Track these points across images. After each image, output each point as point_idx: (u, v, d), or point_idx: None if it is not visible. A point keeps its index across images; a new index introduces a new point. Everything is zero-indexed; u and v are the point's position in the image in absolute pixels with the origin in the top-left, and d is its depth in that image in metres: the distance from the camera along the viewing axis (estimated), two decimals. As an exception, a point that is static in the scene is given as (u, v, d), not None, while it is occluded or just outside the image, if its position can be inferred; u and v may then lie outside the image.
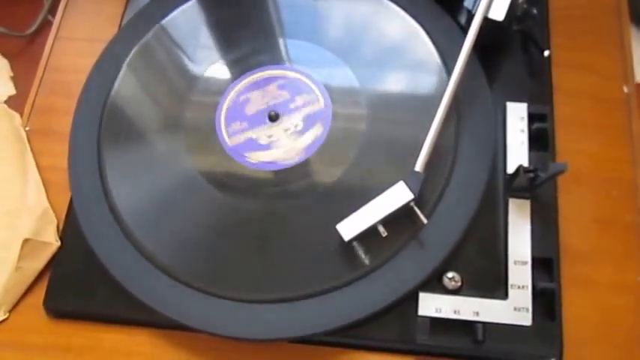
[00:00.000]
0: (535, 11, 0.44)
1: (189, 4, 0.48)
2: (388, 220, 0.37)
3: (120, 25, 0.50)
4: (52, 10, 0.54)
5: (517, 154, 0.41)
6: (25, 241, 0.41)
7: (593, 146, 0.43)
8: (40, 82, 0.50)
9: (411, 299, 0.38)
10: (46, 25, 0.63)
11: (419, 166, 0.38)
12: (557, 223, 0.40)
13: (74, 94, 0.47)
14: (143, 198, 0.42)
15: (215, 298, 0.38)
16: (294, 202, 0.40)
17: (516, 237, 0.39)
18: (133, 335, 0.40)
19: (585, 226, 0.41)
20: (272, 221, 0.40)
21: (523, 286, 0.38)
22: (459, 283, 0.38)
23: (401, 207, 0.37)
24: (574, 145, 0.43)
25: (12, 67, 0.60)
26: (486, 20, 0.41)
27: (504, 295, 0.38)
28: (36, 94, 0.49)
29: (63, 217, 0.44)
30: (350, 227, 0.37)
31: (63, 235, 0.43)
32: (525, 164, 0.40)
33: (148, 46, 0.47)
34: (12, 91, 0.55)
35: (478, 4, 0.41)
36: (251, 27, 0.47)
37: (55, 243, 0.42)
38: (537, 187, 0.39)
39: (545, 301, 0.38)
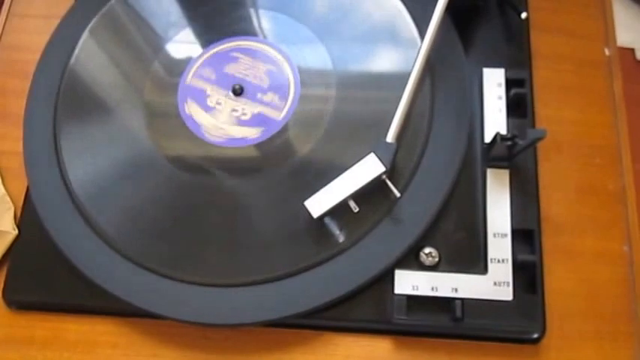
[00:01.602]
0: (511, -28, 0.42)
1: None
2: (360, 195, 0.36)
3: (75, -1, 0.48)
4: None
5: (495, 121, 0.40)
6: (-20, 230, 0.39)
7: (574, 112, 0.42)
8: (-6, 62, 0.47)
9: (387, 277, 0.37)
10: (1, 3, 0.59)
11: (390, 137, 0.36)
12: (538, 193, 0.39)
13: (30, 74, 0.44)
14: (103, 181, 0.40)
15: (181, 283, 0.37)
16: (261, 179, 0.39)
17: (495, 209, 0.38)
18: (97, 325, 0.39)
19: (567, 196, 0.40)
20: (238, 200, 0.38)
21: (503, 260, 0.37)
22: (437, 259, 0.37)
23: (372, 180, 0.35)
24: (554, 111, 0.41)
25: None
26: (460, -19, 0.39)
27: (484, 270, 0.37)
28: (-10, 76, 0.47)
29: (21, 204, 0.42)
30: (319, 204, 0.35)
31: (20, 223, 0.41)
32: (503, 132, 0.38)
33: (106, 19, 0.45)
34: (-34, 73, 0.52)
35: (450, -36, 0.39)
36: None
37: (13, 232, 0.40)
38: (516, 155, 0.38)
39: (527, 274, 0.36)
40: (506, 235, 0.37)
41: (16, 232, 0.40)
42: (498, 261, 0.36)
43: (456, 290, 0.36)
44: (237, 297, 0.36)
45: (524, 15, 0.42)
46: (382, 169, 0.36)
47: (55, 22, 0.46)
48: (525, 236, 0.37)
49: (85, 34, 0.44)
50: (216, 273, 0.37)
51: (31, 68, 0.45)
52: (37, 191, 0.40)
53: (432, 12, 0.39)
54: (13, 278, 0.39)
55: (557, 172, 0.40)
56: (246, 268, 0.36)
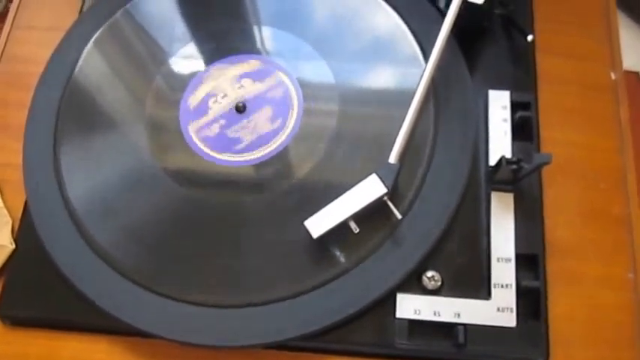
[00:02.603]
0: (518, -6, 0.42)
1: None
2: (361, 216, 0.35)
3: (80, 12, 0.47)
4: (13, -1, 0.51)
5: (500, 144, 0.39)
6: (-23, 244, 0.38)
7: (580, 136, 0.41)
8: (-4, 73, 0.47)
9: (389, 301, 0.36)
10: (6, 14, 0.60)
11: (393, 158, 0.36)
12: (542, 218, 0.38)
13: (31, 86, 0.44)
14: (102, 196, 0.39)
15: (178, 302, 0.36)
16: (262, 198, 0.38)
17: (499, 233, 0.37)
18: (92, 343, 0.38)
19: (572, 220, 0.39)
20: (238, 219, 0.38)
21: (507, 285, 0.36)
22: (439, 283, 0.36)
23: (374, 201, 0.35)
24: (559, 134, 0.41)
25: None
26: (466, 3, 0.39)
27: (487, 295, 0.36)
28: (-9, 87, 0.47)
29: (19, 217, 0.41)
30: (319, 224, 0.35)
31: (18, 237, 0.40)
32: (508, 155, 0.38)
33: (109, 34, 0.45)
34: (-32, 84, 0.52)
35: (457, -14, 0.39)
36: (220, 13, 0.45)
37: (10, 246, 0.40)
38: (521, 179, 0.37)
39: (530, 300, 0.36)
40: (510, 259, 0.36)
41: (14, 246, 0.40)
42: (502, 286, 0.36)
43: (459, 315, 0.35)
44: (235, 318, 0.35)
45: (530, 37, 0.41)
46: (384, 190, 0.35)
47: (59, 35, 0.46)
48: (529, 261, 0.37)
49: (88, 48, 0.44)
50: (214, 293, 0.36)
51: (33, 80, 0.44)
52: (35, 206, 0.40)
53: (435, 30, 0.39)
54: (8, 293, 0.39)
55: (562, 196, 0.39)
56: (245, 289, 0.36)
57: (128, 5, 0.45)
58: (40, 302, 0.38)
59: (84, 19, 0.46)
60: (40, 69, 0.45)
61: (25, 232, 0.40)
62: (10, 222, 0.41)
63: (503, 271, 0.36)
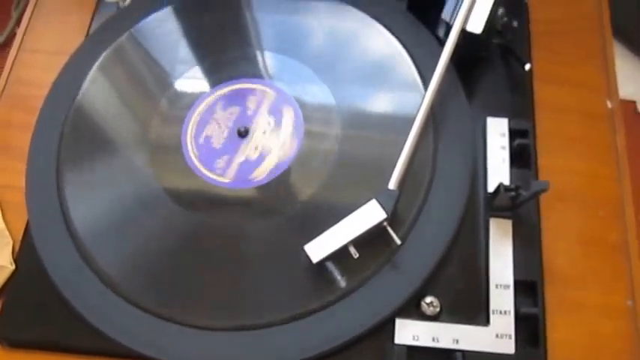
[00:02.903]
0: (515, 24, 0.43)
1: (155, 15, 0.46)
2: (360, 241, 0.35)
3: (86, 36, 0.48)
4: (20, 22, 0.51)
5: (498, 171, 0.40)
6: (-23, 264, 0.39)
7: (577, 163, 0.42)
8: (1, 95, 0.48)
9: (387, 326, 0.36)
10: (14, 37, 0.60)
11: (393, 184, 0.36)
12: (541, 244, 0.38)
13: (36, 109, 0.45)
14: (104, 220, 0.40)
15: (177, 325, 0.36)
16: (261, 221, 0.38)
17: (498, 259, 0.37)
18: (90, 366, 0.38)
19: (570, 247, 0.39)
20: (238, 243, 0.38)
21: (505, 312, 0.36)
22: (438, 309, 0.36)
23: (373, 227, 0.35)
24: (557, 161, 0.41)
25: (-23, 81, 0.58)
26: (465, 33, 0.40)
27: (486, 321, 0.36)
28: (-4, 109, 0.47)
29: (20, 238, 0.41)
30: (319, 248, 0.35)
31: (18, 258, 0.40)
32: (506, 182, 0.39)
33: (112, 58, 0.45)
34: (-27, 105, 0.53)
35: (456, 17, 0.40)
36: (223, 38, 0.46)
37: (10, 266, 0.40)
38: (519, 206, 0.38)
39: (529, 327, 0.36)
40: (508, 286, 0.37)
41: (14, 267, 0.40)
42: (500, 312, 0.36)
43: (457, 341, 0.35)
44: (233, 342, 0.35)
45: (527, 66, 0.42)
46: (383, 215, 0.35)
47: (64, 59, 0.46)
48: (528, 288, 0.37)
49: (92, 73, 0.44)
50: (213, 317, 0.36)
51: (38, 103, 0.45)
52: (37, 227, 0.40)
53: (435, 58, 0.40)
54: (7, 314, 0.39)
55: (560, 224, 0.40)
56: (243, 312, 0.36)
57: (128, 33, 0.46)
58: (39, 324, 0.38)
59: (88, 43, 0.47)
60: (45, 92, 0.45)
61: (25, 253, 0.40)
62: (11, 243, 0.41)
63: (502, 298, 0.36)
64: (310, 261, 0.35)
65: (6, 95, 0.48)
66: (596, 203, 0.40)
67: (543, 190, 0.36)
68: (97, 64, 0.45)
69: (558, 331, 0.37)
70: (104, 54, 0.45)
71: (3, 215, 0.42)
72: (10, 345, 0.39)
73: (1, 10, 0.62)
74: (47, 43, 0.50)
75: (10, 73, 0.49)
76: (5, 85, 0.48)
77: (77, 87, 0.44)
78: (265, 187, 0.40)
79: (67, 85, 0.45)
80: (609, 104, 0.43)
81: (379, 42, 0.44)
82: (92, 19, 0.49)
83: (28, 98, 0.47)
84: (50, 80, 0.46)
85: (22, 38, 0.50)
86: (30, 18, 0.51)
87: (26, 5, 0.53)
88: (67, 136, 0.42)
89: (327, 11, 0.45)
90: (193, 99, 0.43)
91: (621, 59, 0.49)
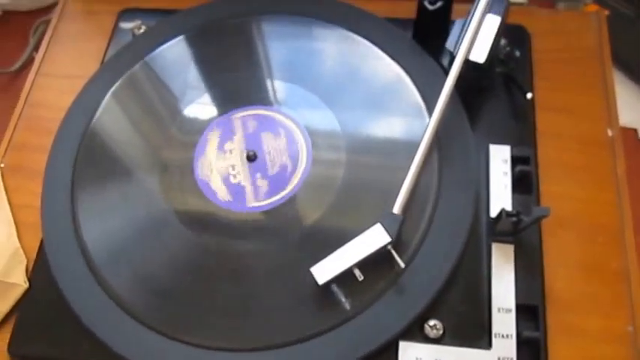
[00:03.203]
0: (518, 54, 0.44)
1: (170, 43, 0.48)
2: (365, 264, 0.36)
3: (102, 62, 0.50)
4: (38, 47, 0.53)
5: (500, 197, 0.40)
6: (-8, 282, 0.40)
7: (578, 190, 0.42)
8: (19, 118, 0.49)
9: (391, 348, 0.36)
10: (31, 61, 0.62)
11: (397, 208, 0.37)
12: (542, 269, 0.39)
13: (52, 132, 0.46)
14: (116, 241, 0.41)
15: (187, 345, 0.37)
16: (268, 244, 0.39)
17: (500, 283, 0.38)
18: (100, 384, 0.38)
19: (571, 273, 0.40)
20: (245, 266, 0.39)
21: (507, 335, 0.37)
22: (441, 332, 0.37)
23: (378, 250, 0.36)
24: (558, 188, 0.42)
25: (-6, 103, 0.60)
26: (468, 62, 0.41)
27: (488, 345, 0.37)
28: (13, 130, 0.49)
29: (33, 257, 0.42)
30: (324, 270, 0.36)
31: (32, 276, 0.42)
32: (508, 208, 0.39)
33: (127, 84, 0.47)
34: (-10, 127, 0.54)
35: (459, 46, 0.41)
36: (233, 66, 0.47)
37: (24, 284, 0.41)
38: (521, 231, 0.38)
39: (531, 350, 0.36)
40: (510, 310, 0.37)
41: (27, 285, 0.41)
42: (503, 336, 0.37)
43: (460, 364, 0.36)
44: (240, 362, 0.36)
45: (529, 95, 0.43)
46: (388, 239, 0.36)
47: (81, 83, 0.48)
48: (529, 312, 0.37)
49: (107, 98, 0.46)
50: (218, 337, 0.37)
51: (53, 125, 0.46)
52: (51, 247, 0.41)
53: (439, 86, 0.41)
54: (19, 331, 0.40)
55: (562, 249, 0.40)
56: (250, 334, 0.37)
57: (143, 60, 0.48)
58: (50, 341, 0.39)
59: (103, 70, 0.48)
60: (61, 115, 0.47)
61: (38, 272, 0.41)
62: (25, 262, 0.42)
63: (504, 322, 0.37)
64: (316, 283, 0.36)
65: (23, 118, 0.49)
66: (596, 229, 0.41)
67: (544, 216, 0.36)
68: (111, 90, 0.46)
69: (559, 356, 0.37)
70: (119, 80, 0.47)
71: (18, 234, 0.44)
72: (22, 361, 0.40)
73: (20, 35, 0.64)
74: (64, 68, 0.52)
75: (27, 96, 0.50)
76: (23, 107, 0.50)
77: (92, 111, 0.46)
78: (273, 211, 0.41)
79: (82, 109, 0.46)
80: (610, 132, 0.44)
81: (385, 70, 0.45)
82: (108, 45, 0.51)
83: (45, 121, 0.48)
84: (66, 104, 0.47)
85: (40, 63, 0.52)
86: (48, 43, 0.53)
87: (44, 31, 0.55)
88: (82, 159, 0.44)
89: (334, 40, 0.47)
90: (205, 124, 0.44)
91: (621, 87, 0.50)
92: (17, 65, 0.62)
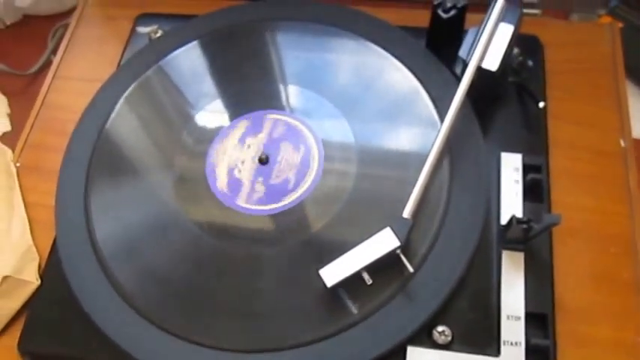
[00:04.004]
0: (531, 63, 0.45)
1: (186, 47, 0.49)
2: (374, 268, 0.36)
3: (118, 65, 0.51)
4: (56, 51, 0.54)
5: (511, 204, 0.40)
6: (5, 278, 0.40)
7: (590, 200, 0.42)
8: (35, 118, 0.50)
9: (399, 353, 0.36)
10: (49, 64, 0.63)
11: (407, 213, 0.37)
12: (552, 278, 0.39)
13: (67, 133, 0.47)
14: (128, 241, 0.41)
15: (196, 345, 0.37)
16: (278, 247, 0.40)
17: (510, 291, 0.38)
18: (109, 382, 0.39)
19: (582, 282, 0.39)
20: (257, 268, 0.39)
21: (516, 343, 0.36)
22: (450, 338, 0.37)
23: (387, 254, 0.36)
24: (570, 198, 0.42)
25: (11, 105, 0.61)
26: (481, 70, 0.41)
27: (496, 352, 0.36)
28: (30, 131, 0.49)
29: (46, 255, 0.43)
30: (333, 273, 0.36)
31: (44, 274, 0.42)
32: (519, 215, 0.39)
33: (141, 88, 0.47)
34: (7, 127, 0.55)
35: (472, 54, 0.41)
36: (247, 72, 0.48)
37: (35, 282, 0.41)
38: (531, 239, 0.38)
39: (540, 358, 0.36)
40: (519, 317, 0.37)
41: (39, 282, 0.41)
42: (511, 344, 0.36)
43: (468, 371, 0.36)
44: (247, 363, 0.36)
45: (542, 104, 0.43)
46: (397, 243, 0.36)
47: (97, 86, 0.48)
48: (539, 320, 0.37)
49: (121, 101, 0.47)
50: (227, 339, 0.37)
51: (70, 127, 0.47)
52: (64, 245, 0.41)
53: (451, 94, 0.41)
54: (30, 328, 0.40)
55: (572, 258, 0.40)
56: (258, 336, 0.37)
57: (159, 63, 0.48)
58: (60, 339, 0.39)
59: (119, 73, 0.49)
60: (77, 117, 0.47)
61: (50, 270, 0.42)
62: (37, 259, 0.43)
63: (513, 329, 0.37)
64: (324, 287, 0.36)
65: (39, 119, 0.50)
66: (607, 240, 0.41)
67: (555, 224, 0.36)
68: (126, 93, 0.47)
69: (569, 365, 0.37)
70: (134, 84, 0.47)
71: (31, 232, 0.44)
72: (31, 359, 0.40)
73: (39, 39, 0.65)
74: (81, 71, 0.52)
75: (44, 98, 0.51)
76: (40, 109, 0.51)
77: (107, 114, 0.46)
78: (282, 215, 0.41)
79: (98, 111, 0.47)
80: (622, 143, 0.44)
81: (398, 78, 0.45)
82: (124, 49, 0.52)
83: (60, 122, 0.49)
84: (82, 106, 0.48)
85: (58, 65, 0.53)
86: (66, 47, 0.54)
87: (63, 35, 0.56)
88: (96, 161, 0.44)
89: (348, 48, 0.47)
90: (219, 128, 0.45)
91: (634, 99, 0.50)
92: (35, 68, 0.63)
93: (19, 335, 0.40)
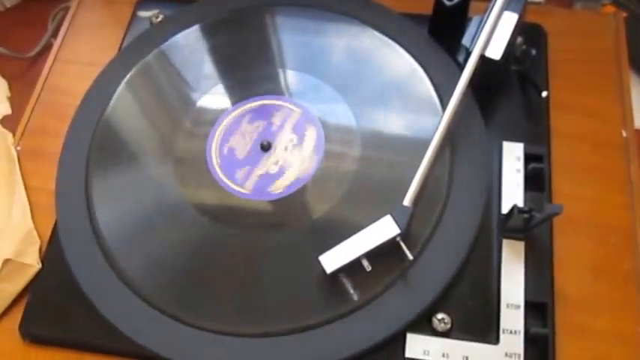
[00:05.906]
0: (534, 52, 0.44)
1: (187, 31, 0.48)
2: (374, 255, 0.36)
3: (119, 49, 0.50)
4: (56, 34, 0.54)
5: (512, 193, 0.40)
6: (6, 261, 0.40)
7: (591, 191, 0.42)
8: (36, 102, 0.50)
9: (398, 340, 0.37)
10: (49, 48, 0.63)
11: (407, 201, 0.37)
12: (552, 267, 0.39)
13: (68, 117, 0.47)
14: (129, 225, 0.41)
15: (197, 330, 0.37)
16: (276, 234, 0.40)
17: (509, 279, 0.38)
18: (110, 365, 0.39)
19: (581, 272, 0.40)
20: (258, 253, 0.39)
21: (515, 331, 0.37)
22: (449, 325, 0.37)
23: (387, 241, 0.36)
24: (571, 188, 0.42)
25: (12, 88, 0.60)
26: (484, 59, 0.41)
27: (496, 340, 0.37)
28: (30, 114, 0.49)
29: (47, 239, 0.43)
30: (333, 259, 0.36)
31: (44, 257, 0.42)
32: (520, 204, 0.39)
33: (144, 71, 0.47)
34: (8, 110, 0.55)
35: (475, 43, 0.41)
36: (248, 57, 0.47)
37: (36, 265, 0.41)
38: (532, 228, 0.38)
39: (538, 347, 0.36)
40: (519, 306, 0.37)
41: (40, 266, 0.41)
42: (510, 332, 0.37)
43: (467, 358, 0.36)
44: (248, 348, 0.36)
45: (544, 94, 0.43)
46: (397, 231, 0.36)
47: (98, 70, 0.48)
48: (538, 309, 0.37)
49: (122, 85, 0.46)
50: (230, 322, 0.37)
51: (71, 111, 0.47)
52: (64, 229, 0.41)
53: (454, 82, 0.41)
54: (31, 311, 0.40)
55: (572, 249, 0.40)
56: (259, 320, 0.37)
57: (159, 47, 0.48)
58: (61, 322, 0.39)
59: (120, 57, 0.49)
60: (78, 101, 0.47)
61: (51, 254, 0.42)
62: (38, 243, 0.43)
63: (513, 318, 0.37)
64: (324, 273, 0.36)
65: (40, 102, 0.50)
66: (608, 231, 0.41)
67: (556, 213, 0.36)
68: (127, 77, 0.47)
69: (566, 355, 0.37)
70: (134, 68, 0.47)
71: (32, 216, 0.44)
72: (32, 341, 0.40)
73: (39, 22, 0.65)
74: (81, 55, 0.52)
75: (45, 81, 0.51)
76: (40, 92, 0.50)
77: (108, 98, 0.46)
78: (282, 201, 0.41)
79: (98, 95, 0.47)
80: (624, 133, 0.44)
81: (400, 64, 0.45)
82: (125, 33, 0.51)
83: (62, 106, 0.49)
84: (83, 90, 0.47)
85: (58, 49, 0.52)
86: (67, 30, 0.53)
87: (63, 18, 0.55)
88: (97, 144, 0.44)
89: (350, 34, 0.47)
90: (219, 112, 0.45)
91: (637, 89, 0.50)
92: (35, 51, 0.63)
93: (20, 318, 0.40)
